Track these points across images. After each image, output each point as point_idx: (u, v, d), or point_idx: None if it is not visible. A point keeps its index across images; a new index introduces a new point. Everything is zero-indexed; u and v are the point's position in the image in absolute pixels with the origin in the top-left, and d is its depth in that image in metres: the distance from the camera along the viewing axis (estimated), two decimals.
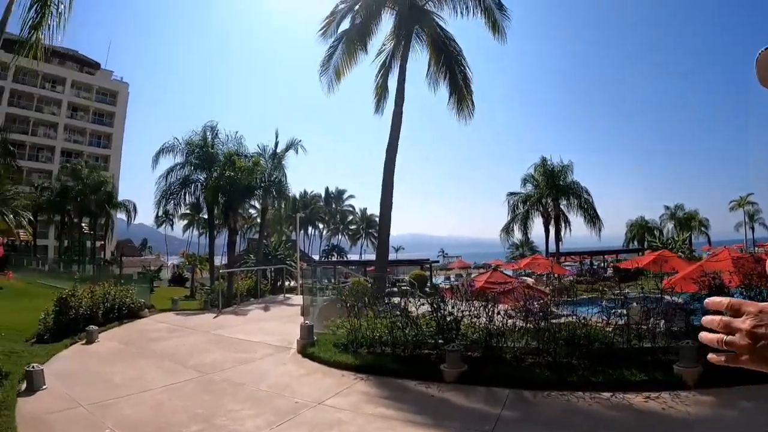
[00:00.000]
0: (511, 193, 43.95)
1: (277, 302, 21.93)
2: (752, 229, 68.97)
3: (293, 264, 33.24)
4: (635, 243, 67.97)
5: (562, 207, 40.99)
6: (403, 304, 11.23)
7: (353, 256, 79.51)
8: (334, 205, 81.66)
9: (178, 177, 26.02)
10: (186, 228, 78.90)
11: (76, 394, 8.11)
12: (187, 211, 75.07)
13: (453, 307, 10.03)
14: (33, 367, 8.41)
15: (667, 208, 71.33)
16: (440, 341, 9.66)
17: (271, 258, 33.92)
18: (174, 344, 12.13)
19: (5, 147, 45.74)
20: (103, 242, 57.63)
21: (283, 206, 31.42)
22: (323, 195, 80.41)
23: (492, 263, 68.14)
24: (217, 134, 26.91)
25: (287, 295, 24.46)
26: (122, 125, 73.06)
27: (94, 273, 37.21)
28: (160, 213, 26.87)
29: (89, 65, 72.30)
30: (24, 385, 8.26)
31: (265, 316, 17.65)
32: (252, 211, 46.04)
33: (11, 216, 24.29)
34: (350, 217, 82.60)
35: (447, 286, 25.83)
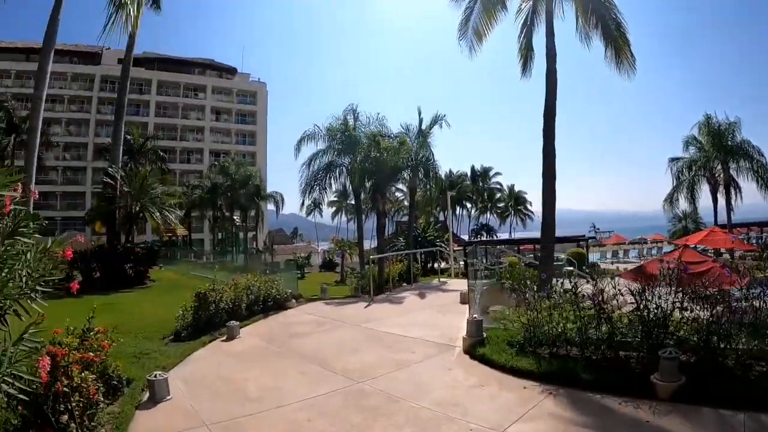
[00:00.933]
0: (673, 159, 38.29)
1: (431, 288, 19.84)
2: None
3: (444, 245, 31.37)
4: None
5: (731, 171, 34.78)
6: (571, 287, 8.51)
7: (503, 235, 76.41)
8: (480, 184, 78.23)
9: (321, 163, 25.01)
10: (334, 215, 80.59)
11: (203, 407, 6.51)
12: (335, 198, 77.13)
13: (659, 298, 7.16)
14: (156, 375, 6.96)
15: None
16: (643, 342, 7.00)
17: (421, 240, 32.46)
18: (320, 341, 10.36)
19: (156, 153, 48.45)
20: (254, 233, 59.54)
21: (432, 185, 29.25)
22: (469, 174, 77.44)
23: (650, 238, 61.83)
24: (357, 117, 25.51)
25: (442, 280, 22.39)
26: (264, 122, 75.68)
27: (246, 262, 37.75)
28: (307, 201, 26.08)
29: (227, 71, 75.51)
30: (146, 395, 6.87)
31: (419, 304, 15.62)
32: (398, 194, 44.51)
33: (158, 214, 24.45)
34: (498, 195, 79.01)
35: (610, 265, 22.46)
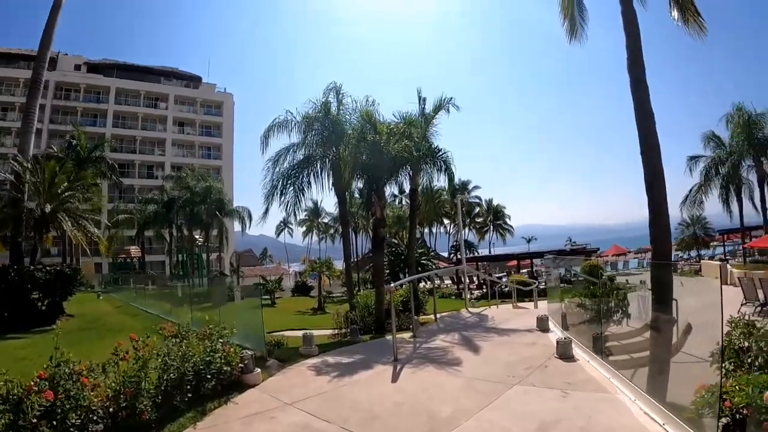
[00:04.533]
0: (693, 158, 33.04)
1: (465, 323, 13.33)
2: None
3: (434, 264, 24.57)
4: None
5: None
6: None
7: (482, 251, 69.84)
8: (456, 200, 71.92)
9: (295, 160, 17.96)
10: (305, 234, 73.73)
11: None
12: (305, 217, 70.06)
13: None
14: None
15: None
16: None
17: (405, 258, 26.10)
18: None
19: (107, 163, 40.66)
20: (219, 253, 51.68)
21: (445, 185, 21.68)
22: (447, 187, 70.54)
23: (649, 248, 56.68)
24: (342, 99, 18.51)
25: (473, 311, 15.70)
26: (230, 135, 68.59)
27: (206, 286, 30.15)
28: (275, 207, 18.41)
29: (191, 80, 68.14)
30: None
31: (485, 363, 8.56)
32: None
33: (69, 223, 17.04)
34: (477, 210, 72.63)
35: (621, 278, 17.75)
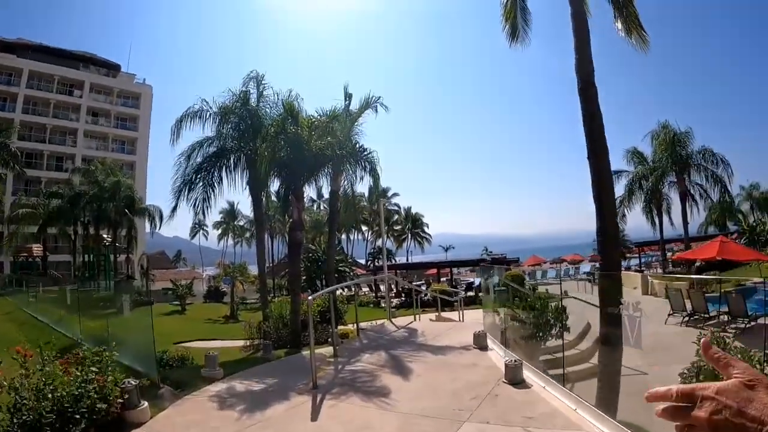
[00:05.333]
0: (616, 172, 33.61)
1: (391, 338, 12.15)
2: None
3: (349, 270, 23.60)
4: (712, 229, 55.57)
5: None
6: None
7: (400, 259, 69.37)
8: (375, 206, 71.04)
9: (208, 153, 16.43)
10: (220, 237, 70.83)
11: None
12: (221, 219, 67.24)
13: None
14: None
15: (742, 188, 57.24)
16: None
17: (321, 265, 26.29)
18: None
19: (9, 151, 36.65)
20: (127, 255, 48.13)
21: (372, 186, 20.29)
22: (366, 194, 69.90)
23: (568, 258, 58.84)
24: (263, 91, 17.13)
25: (397, 323, 14.66)
26: (147, 129, 64.42)
27: (112, 290, 27.63)
28: (185, 204, 16.69)
29: (109, 67, 63.71)
30: None
31: (422, 390, 7.38)
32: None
33: None
34: (395, 217, 72.14)
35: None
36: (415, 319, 15.65)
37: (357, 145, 16.84)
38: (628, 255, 42.04)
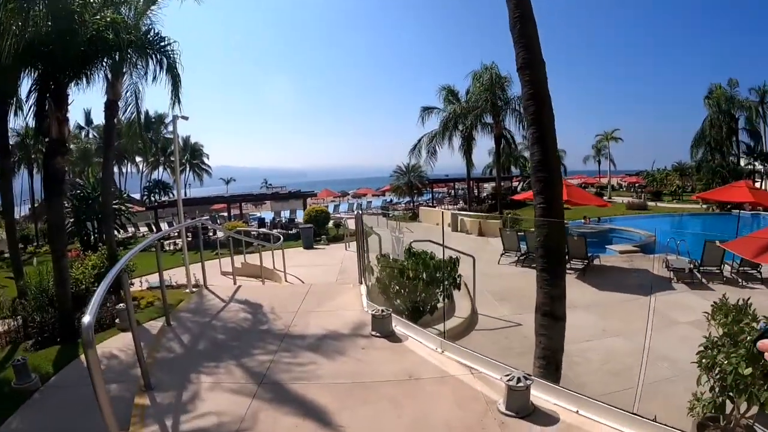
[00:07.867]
0: (427, 108, 34.47)
1: (242, 328, 6.99)
2: (598, 162, 65.29)
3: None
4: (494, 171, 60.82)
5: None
6: None
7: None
8: (151, 135, 60.75)
9: None
10: None
11: None
12: None
13: None
14: None
15: (524, 137, 64.59)
16: None
17: (92, 203, 21.90)
18: None
19: None
20: None
21: (173, 93, 13.29)
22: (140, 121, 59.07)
23: (366, 191, 58.64)
24: None
25: (217, 289, 9.29)
26: None
27: None
28: None
29: None
30: None
31: None
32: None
33: None
34: (172, 147, 62.96)
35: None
36: (235, 283, 10.87)
37: (152, 33, 11.22)
38: (416, 191, 42.09)
